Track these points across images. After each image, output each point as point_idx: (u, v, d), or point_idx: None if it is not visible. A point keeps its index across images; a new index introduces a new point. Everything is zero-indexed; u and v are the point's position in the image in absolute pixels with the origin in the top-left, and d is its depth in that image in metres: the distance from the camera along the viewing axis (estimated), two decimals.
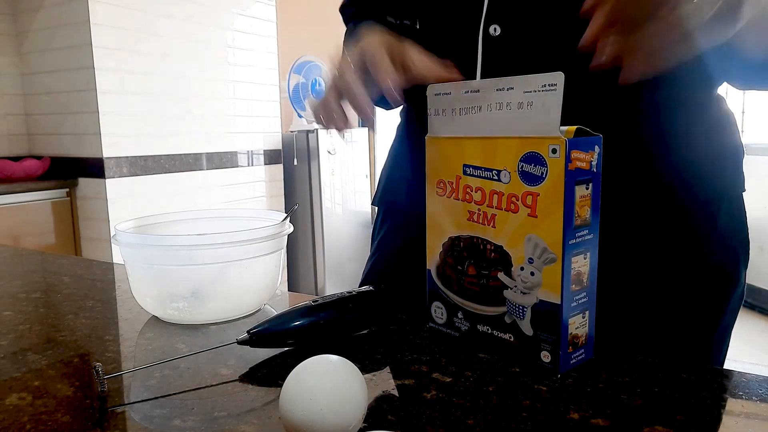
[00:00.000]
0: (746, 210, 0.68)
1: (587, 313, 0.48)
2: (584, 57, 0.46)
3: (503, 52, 0.59)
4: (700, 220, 0.62)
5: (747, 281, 0.68)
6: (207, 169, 3.04)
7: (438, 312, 0.56)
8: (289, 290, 3.37)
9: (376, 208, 0.81)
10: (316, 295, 0.62)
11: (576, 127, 0.45)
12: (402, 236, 0.75)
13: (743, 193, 0.66)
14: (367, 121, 0.54)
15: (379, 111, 0.72)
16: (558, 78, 0.43)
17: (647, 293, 0.61)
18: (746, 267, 0.67)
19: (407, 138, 0.75)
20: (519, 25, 0.59)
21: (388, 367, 0.49)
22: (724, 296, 0.64)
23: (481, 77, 0.61)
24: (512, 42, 0.59)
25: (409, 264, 0.72)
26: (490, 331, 0.51)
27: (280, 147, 3.53)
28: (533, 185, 0.45)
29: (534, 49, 0.58)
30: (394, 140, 0.78)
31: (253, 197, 3.36)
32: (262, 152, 3.40)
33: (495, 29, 0.59)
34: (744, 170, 0.65)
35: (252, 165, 3.33)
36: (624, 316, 0.60)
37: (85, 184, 2.63)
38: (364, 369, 0.48)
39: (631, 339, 0.60)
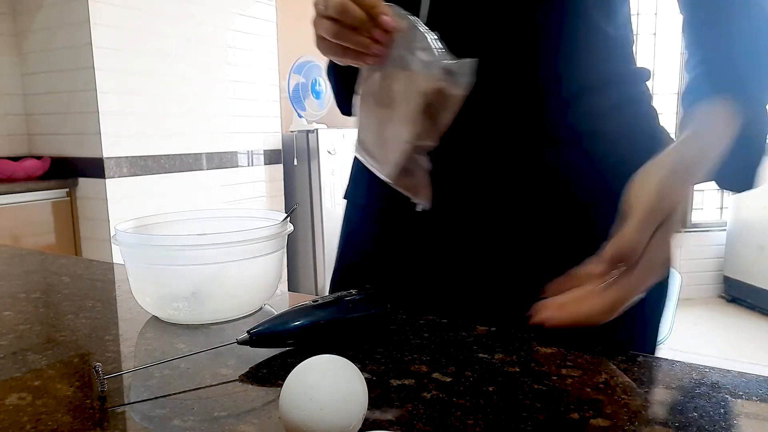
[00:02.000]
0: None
1: None
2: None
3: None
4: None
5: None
6: (207, 169, 3.04)
7: None
8: (289, 290, 3.37)
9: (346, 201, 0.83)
10: (316, 295, 0.62)
11: None
12: (365, 230, 0.77)
13: None
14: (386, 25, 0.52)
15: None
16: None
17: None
18: None
19: None
20: (455, 31, 0.60)
21: (388, 367, 0.49)
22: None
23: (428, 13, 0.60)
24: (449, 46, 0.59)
25: (373, 256, 0.73)
26: None
27: (280, 147, 3.53)
28: None
29: (467, 48, 0.58)
30: None
31: (253, 197, 3.36)
32: (262, 152, 3.40)
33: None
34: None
35: (252, 165, 3.33)
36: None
37: (85, 184, 2.62)
38: (364, 369, 0.48)
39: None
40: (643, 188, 0.50)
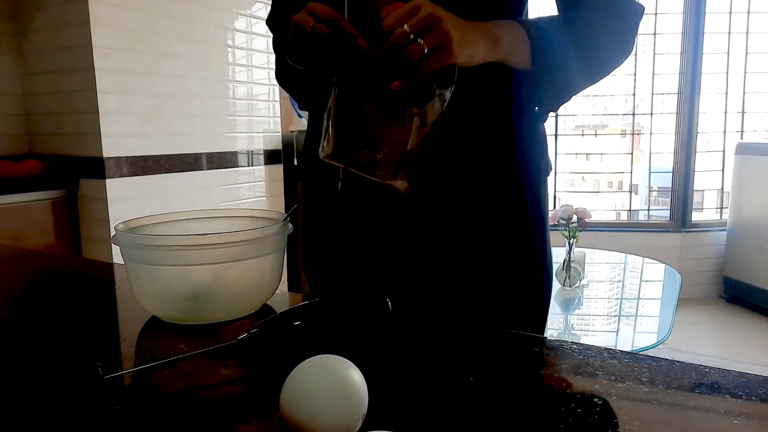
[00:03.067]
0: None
1: None
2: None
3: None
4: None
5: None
6: (207, 169, 3.04)
7: None
8: (289, 290, 3.37)
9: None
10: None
11: None
12: (323, 221, 0.82)
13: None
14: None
15: None
16: None
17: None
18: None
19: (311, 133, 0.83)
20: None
21: (388, 367, 0.49)
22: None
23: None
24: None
25: (330, 246, 0.80)
26: None
27: (280, 147, 3.53)
28: None
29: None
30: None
31: (253, 197, 3.36)
32: (262, 152, 3.40)
33: None
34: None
35: (252, 165, 3.33)
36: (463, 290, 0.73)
37: (85, 184, 2.62)
38: (364, 369, 0.48)
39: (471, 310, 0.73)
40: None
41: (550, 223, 0.86)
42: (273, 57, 0.82)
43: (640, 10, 0.70)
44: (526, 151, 0.75)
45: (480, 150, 0.72)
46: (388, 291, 0.65)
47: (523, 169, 0.74)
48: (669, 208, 4.12)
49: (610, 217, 4.27)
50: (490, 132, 0.72)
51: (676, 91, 4.02)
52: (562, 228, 2.49)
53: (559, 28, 0.69)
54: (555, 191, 4.10)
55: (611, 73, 0.72)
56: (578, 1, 0.70)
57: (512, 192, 0.74)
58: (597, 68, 0.71)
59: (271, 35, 0.83)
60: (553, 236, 0.89)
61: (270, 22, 0.84)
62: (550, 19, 0.71)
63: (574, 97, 0.75)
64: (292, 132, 3.57)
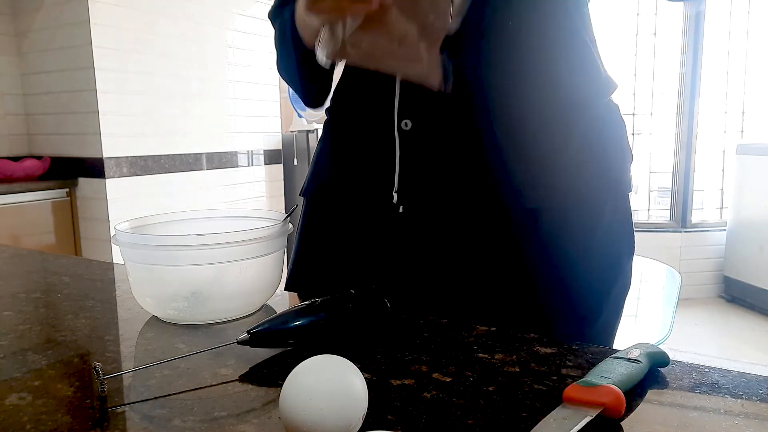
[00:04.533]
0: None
1: None
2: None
3: (416, 144, 0.66)
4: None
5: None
6: (207, 169, 3.04)
7: None
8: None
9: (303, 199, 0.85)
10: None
11: None
12: (323, 228, 0.79)
13: (629, 194, 0.73)
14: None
15: None
16: None
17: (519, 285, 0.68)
18: (631, 259, 0.74)
19: (327, 136, 0.79)
20: (426, 120, 0.65)
21: (388, 367, 0.49)
22: (607, 287, 0.71)
23: (399, 168, 0.67)
24: (423, 134, 0.66)
25: (330, 255, 0.77)
26: None
27: (280, 147, 3.53)
28: None
29: (442, 139, 0.65)
30: (321, 137, 0.83)
31: (253, 197, 3.36)
32: (262, 152, 3.40)
33: (406, 124, 0.66)
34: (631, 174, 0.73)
35: (252, 165, 3.34)
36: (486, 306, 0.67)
37: (85, 184, 2.63)
38: (364, 369, 0.48)
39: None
40: None
41: None
42: (273, 57, 0.80)
43: None
44: None
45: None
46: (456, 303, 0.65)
47: None
48: (669, 208, 4.13)
49: None
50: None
51: (676, 91, 4.03)
52: None
53: None
54: None
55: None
56: None
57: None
58: None
59: (273, 31, 0.77)
60: None
61: (273, 14, 0.77)
62: None
63: None
64: (292, 132, 3.57)
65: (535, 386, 0.44)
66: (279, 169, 3.53)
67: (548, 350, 0.52)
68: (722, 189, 4.09)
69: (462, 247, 0.68)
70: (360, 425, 0.36)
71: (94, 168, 2.57)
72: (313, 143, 3.46)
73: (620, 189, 0.71)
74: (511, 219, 0.67)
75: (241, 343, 0.50)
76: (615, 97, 0.71)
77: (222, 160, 3.13)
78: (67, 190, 2.65)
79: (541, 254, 0.67)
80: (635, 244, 0.74)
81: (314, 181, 0.80)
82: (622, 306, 0.74)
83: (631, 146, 0.73)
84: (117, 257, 0.68)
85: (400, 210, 0.68)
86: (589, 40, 0.67)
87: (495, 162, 0.65)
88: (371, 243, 0.73)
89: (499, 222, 0.67)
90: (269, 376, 0.48)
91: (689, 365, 0.48)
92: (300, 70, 0.71)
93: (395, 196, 0.68)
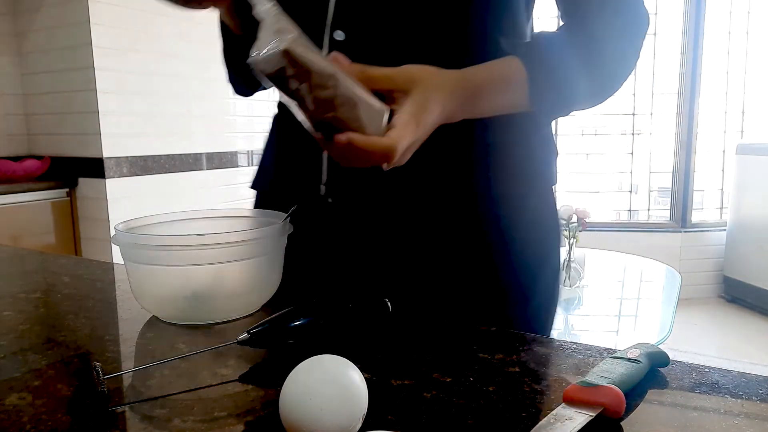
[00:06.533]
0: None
1: None
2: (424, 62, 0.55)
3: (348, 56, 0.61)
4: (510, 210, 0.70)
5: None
6: (207, 169, 3.04)
7: None
8: None
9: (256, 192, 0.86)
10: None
11: None
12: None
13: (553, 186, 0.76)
14: None
15: None
16: None
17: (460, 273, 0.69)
18: (558, 244, 0.77)
19: (274, 129, 0.82)
20: (362, 32, 0.64)
21: (388, 367, 0.49)
22: (535, 274, 0.72)
23: (327, 163, 0.66)
24: (356, 47, 0.63)
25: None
26: None
27: None
28: None
29: (377, 53, 0.61)
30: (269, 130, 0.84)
31: (253, 197, 3.36)
32: (262, 152, 3.40)
33: (340, 35, 0.64)
34: (557, 168, 0.75)
35: (252, 165, 3.33)
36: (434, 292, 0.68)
37: (85, 184, 2.62)
38: (364, 369, 0.48)
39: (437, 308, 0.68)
40: (429, 103, 0.53)
41: None
42: None
43: (646, 16, 0.64)
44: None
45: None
46: (392, 293, 0.65)
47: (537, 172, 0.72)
48: (669, 208, 4.13)
49: (610, 217, 4.27)
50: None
51: (676, 91, 4.03)
52: (562, 228, 2.49)
53: (562, 52, 0.62)
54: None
55: (618, 90, 0.66)
56: (581, 7, 0.64)
57: (533, 197, 0.72)
58: (604, 84, 0.65)
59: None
60: None
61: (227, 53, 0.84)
62: (550, 40, 0.63)
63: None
64: None
65: (535, 386, 0.44)
66: None
67: (548, 350, 0.52)
68: (722, 189, 4.10)
69: (395, 235, 0.69)
70: (360, 425, 0.37)
71: (94, 168, 2.57)
72: None
73: (545, 183, 0.74)
74: (447, 203, 0.68)
75: (241, 343, 0.50)
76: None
77: (222, 160, 3.13)
78: (67, 190, 2.65)
79: (471, 236, 0.68)
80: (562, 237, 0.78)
81: (261, 175, 0.84)
82: (557, 290, 0.77)
83: (555, 141, 0.76)
84: (117, 257, 0.68)
85: (329, 201, 0.70)
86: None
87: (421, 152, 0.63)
88: (308, 237, 0.74)
89: (431, 206, 0.67)
90: (269, 376, 0.48)
91: (689, 365, 0.48)
92: (227, 58, 0.80)
93: (323, 188, 0.69)
